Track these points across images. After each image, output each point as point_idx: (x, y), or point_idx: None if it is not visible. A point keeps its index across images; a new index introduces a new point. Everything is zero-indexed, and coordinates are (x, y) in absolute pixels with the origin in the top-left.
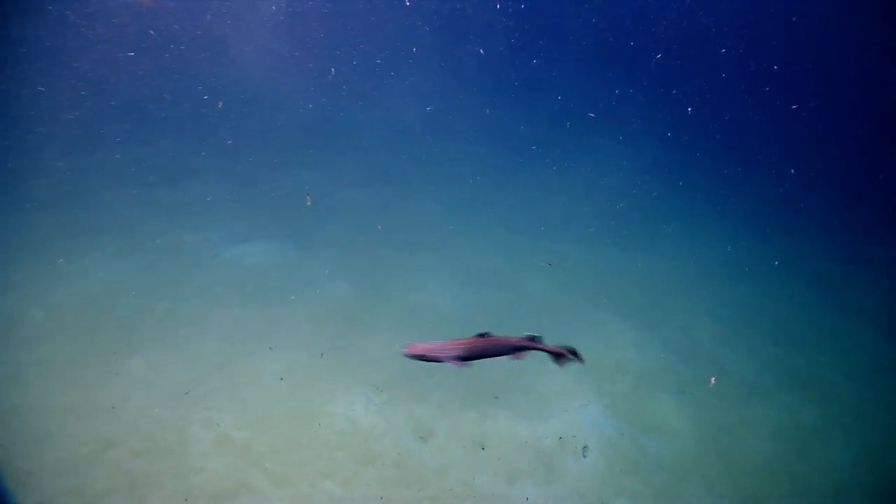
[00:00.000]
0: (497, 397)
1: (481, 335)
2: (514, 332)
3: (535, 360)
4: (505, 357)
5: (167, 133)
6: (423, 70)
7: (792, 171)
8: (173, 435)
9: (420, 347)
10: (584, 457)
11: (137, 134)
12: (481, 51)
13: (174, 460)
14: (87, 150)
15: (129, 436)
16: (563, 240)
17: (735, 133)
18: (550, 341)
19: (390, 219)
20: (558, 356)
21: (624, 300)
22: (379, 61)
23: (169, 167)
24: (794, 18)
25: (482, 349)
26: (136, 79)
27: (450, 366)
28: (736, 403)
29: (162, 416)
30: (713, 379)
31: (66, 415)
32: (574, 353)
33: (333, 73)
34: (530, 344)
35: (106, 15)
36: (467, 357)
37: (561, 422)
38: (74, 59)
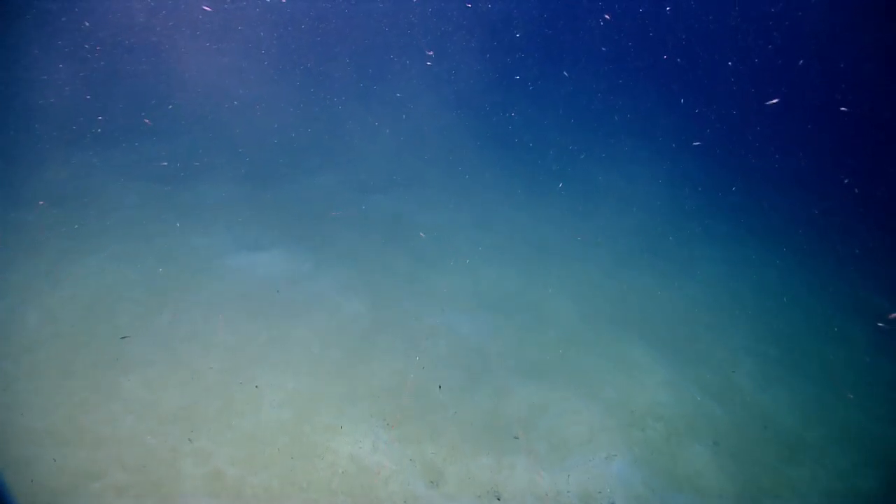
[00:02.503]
0: (517, 437)
1: None
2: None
3: (560, 395)
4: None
5: (180, 132)
6: (446, 73)
7: (846, 180)
8: (163, 468)
9: None
10: None
11: (149, 132)
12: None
13: (160, 499)
14: (95, 147)
15: (115, 467)
16: (590, 259)
17: (775, 143)
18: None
19: (410, 230)
20: None
21: (656, 332)
22: (397, 60)
23: (180, 167)
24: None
25: None
26: (145, 74)
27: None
28: (779, 460)
29: (152, 446)
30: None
31: (49, 438)
32: None
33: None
34: None
35: (114, 12)
36: None
37: (585, 474)
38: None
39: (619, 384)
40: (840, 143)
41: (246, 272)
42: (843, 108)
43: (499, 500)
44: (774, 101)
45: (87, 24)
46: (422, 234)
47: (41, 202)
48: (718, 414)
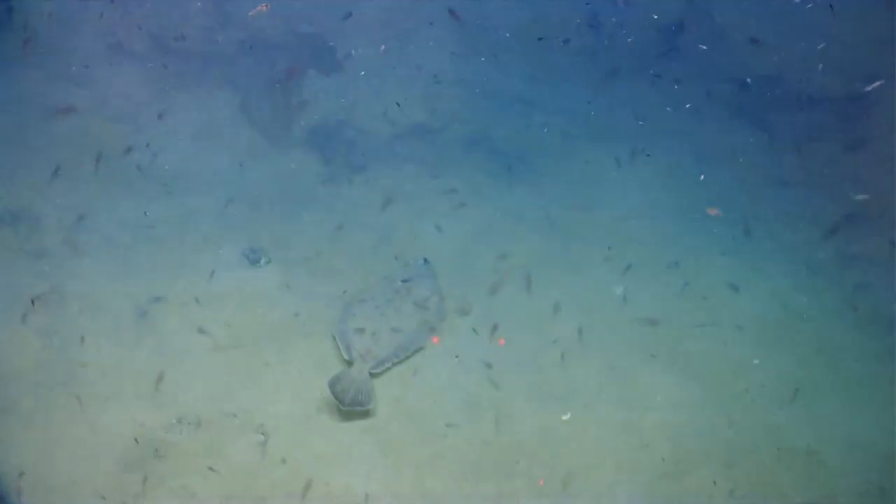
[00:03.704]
0: (518, 462)
1: None
2: None
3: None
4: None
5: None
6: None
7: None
8: None
9: None
10: None
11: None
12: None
13: None
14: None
15: None
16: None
17: None
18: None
19: (423, 246)
20: None
21: (663, 342)
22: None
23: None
24: None
25: None
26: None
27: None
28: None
29: None
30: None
31: None
32: None
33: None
34: None
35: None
36: None
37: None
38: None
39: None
40: None
41: (237, 290)
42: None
43: None
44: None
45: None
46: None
47: None
48: (730, 436)
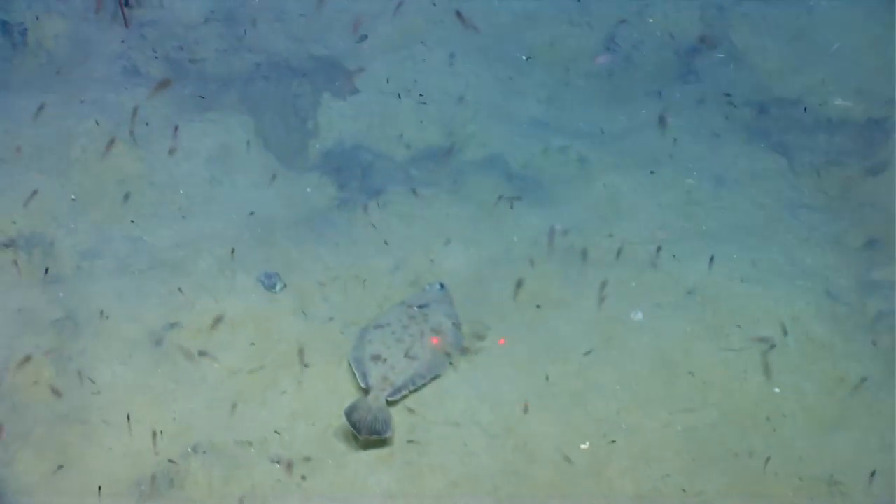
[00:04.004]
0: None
1: None
2: None
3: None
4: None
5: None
6: None
7: None
8: None
9: None
10: None
11: None
12: None
13: None
14: None
15: None
16: None
17: None
18: None
19: (439, 271)
20: None
21: (682, 371)
22: None
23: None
24: None
25: None
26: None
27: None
28: None
29: None
30: None
31: None
32: None
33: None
34: None
35: None
36: None
37: None
38: None
39: None
40: None
41: (241, 319)
42: None
43: None
44: None
45: None
46: None
47: None
48: (751, 465)
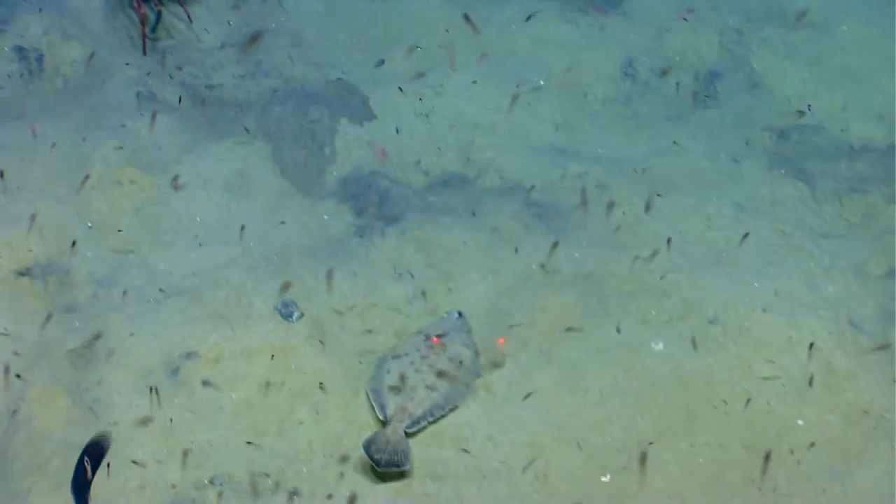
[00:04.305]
0: None
1: None
2: None
3: None
4: None
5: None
6: None
7: None
8: None
9: None
10: None
11: None
12: None
13: None
14: None
15: None
16: None
17: None
18: None
19: (457, 300)
20: None
21: (703, 401)
22: None
23: None
24: None
25: None
26: None
27: None
28: None
29: None
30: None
31: None
32: None
33: None
34: None
35: None
36: None
37: None
38: None
39: None
40: None
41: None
42: None
43: None
44: None
45: None
46: None
47: None
48: (775, 500)
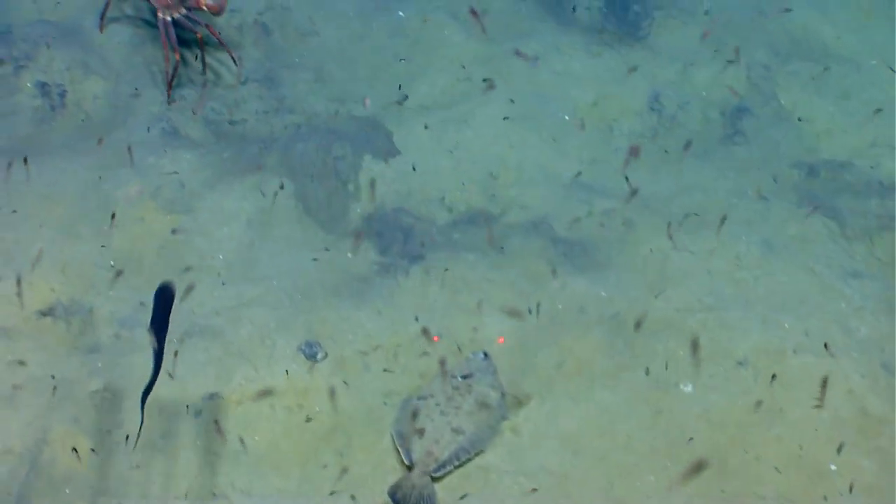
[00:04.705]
0: None
1: None
2: None
3: None
4: None
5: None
6: None
7: None
8: None
9: None
10: None
11: None
12: None
13: None
14: None
15: None
16: None
17: None
18: None
19: (483, 339)
20: None
21: (733, 445)
22: None
23: None
24: None
25: None
26: None
27: None
28: None
29: None
30: None
31: None
32: None
33: None
34: None
35: None
36: None
37: None
38: None
39: None
40: None
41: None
42: None
43: None
44: None
45: None
46: None
47: None
48: None
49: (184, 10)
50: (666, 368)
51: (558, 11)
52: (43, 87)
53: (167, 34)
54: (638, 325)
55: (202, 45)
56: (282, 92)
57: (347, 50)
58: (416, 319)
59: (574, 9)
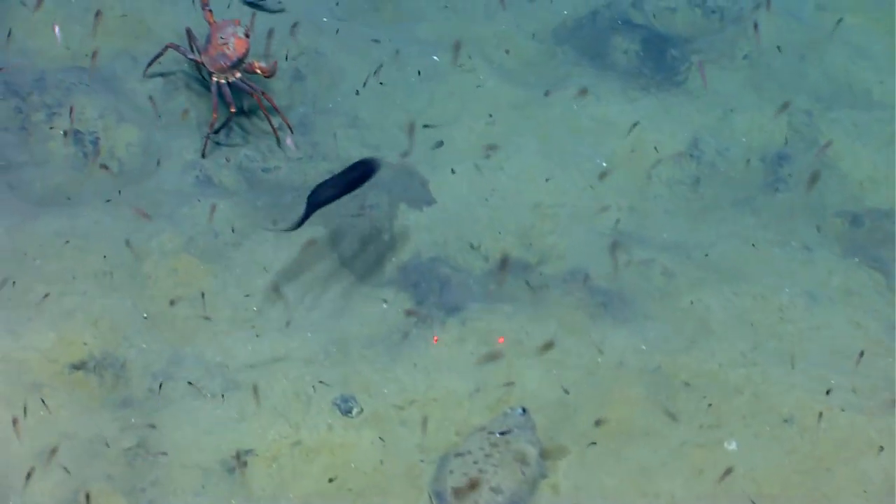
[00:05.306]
0: None
1: None
2: None
3: None
4: None
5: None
6: None
7: None
8: None
9: None
10: None
11: None
12: None
13: None
14: None
15: None
16: None
17: None
18: None
19: (520, 394)
20: None
21: None
22: None
23: None
24: None
25: None
26: None
27: None
28: None
29: None
30: None
31: None
32: None
33: None
34: None
35: None
36: None
37: None
38: None
39: None
40: None
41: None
42: None
43: None
44: None
45: None
46: None
47: None
48: None
49: (239, 75)
50: (709, 425)
51: (594, 55)
52: (76, 135)
53: (220, 94)
54: (680, 380)
55: (263, 108)
56: (315, 138)
57: (382, 95)
58: (454, 373)
59: (610, 53)
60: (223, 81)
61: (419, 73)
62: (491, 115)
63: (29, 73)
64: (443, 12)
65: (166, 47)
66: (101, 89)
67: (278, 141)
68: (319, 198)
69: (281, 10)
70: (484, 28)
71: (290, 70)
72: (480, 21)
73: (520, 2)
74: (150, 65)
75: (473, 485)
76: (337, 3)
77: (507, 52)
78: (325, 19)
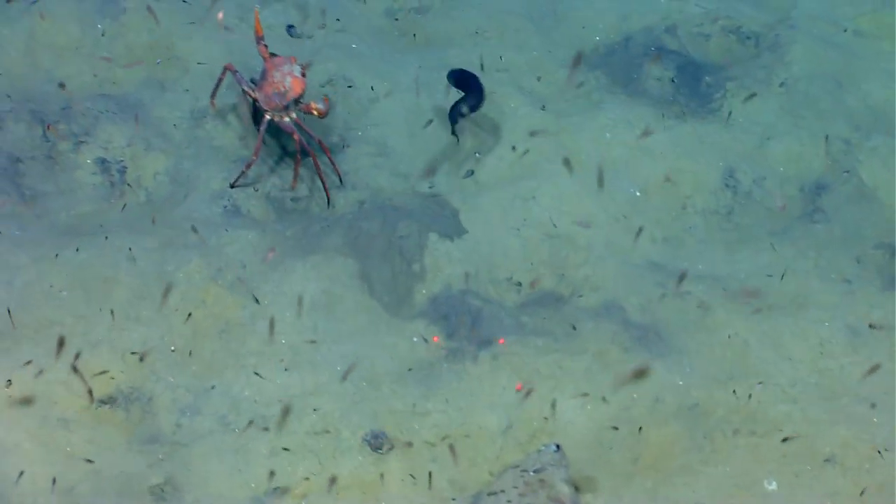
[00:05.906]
0: None
1: None
2: None
3: None
4: None
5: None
6: None
7: None
8: None
9: None
10: None
11: None
12: None
13: None
14: None
15: None
16: None
17: None
18: None
19: (554, 431)
20: None
21: None
22: None
23: None
24: None
25: None
26: None
27: None
28: None
29: None
30: None
31: None
32: None
33: None
34: None
35: None
36: None
37: None
38: None
39: None
40: None
41: None
42: None
43: None
44: None
45: None
46: None
47: None
48: None
49: (294, 115)
50: (748, 464)
51: (628, 82)
52: (103, 164)
53: (267, 129)
54: (718, 417)
55: (328, 152)
56: (344, 167)
57: (411, 123)
58: (486, 408)
59: (643, 80)
60: (276, 120)
61: (449, 101)
62: (526, 141)
63: (55, 102)
64: (472, 38)
65: (225, 69)
66: (129, 117)
67: (328, 200)
68: (462, 110)
69: (310, 37)
70: (515, 55)
71: (317, 97)
72: (511, 48)
73: (551, 28)
74: (214, 92)
75: None
76: (366, 29)
77: (539, 78)
78: (353, 45)
